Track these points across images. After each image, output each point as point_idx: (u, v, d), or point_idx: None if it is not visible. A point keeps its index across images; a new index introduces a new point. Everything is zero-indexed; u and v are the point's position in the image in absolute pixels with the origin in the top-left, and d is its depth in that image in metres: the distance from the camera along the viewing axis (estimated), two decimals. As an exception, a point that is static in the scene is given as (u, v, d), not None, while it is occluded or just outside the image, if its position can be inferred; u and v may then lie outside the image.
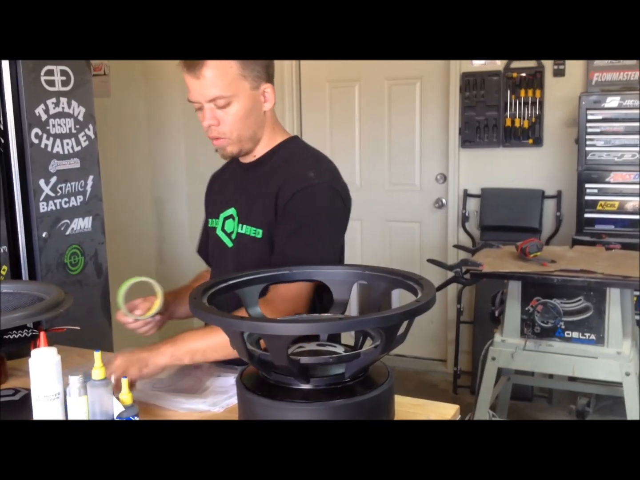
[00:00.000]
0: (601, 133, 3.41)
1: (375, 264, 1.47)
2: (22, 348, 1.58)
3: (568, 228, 3.77)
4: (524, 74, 3.85)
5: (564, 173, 3.81)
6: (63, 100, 2.70)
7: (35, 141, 2.61)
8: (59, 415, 1.29)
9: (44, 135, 2.64)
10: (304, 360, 1.19)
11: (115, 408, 1.25)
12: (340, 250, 1.69)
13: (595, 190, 3.46)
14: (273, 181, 1.64)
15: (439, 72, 4.09)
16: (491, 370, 2.84)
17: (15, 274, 2.60)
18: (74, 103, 2.74)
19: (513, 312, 2.79)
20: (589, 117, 3.42)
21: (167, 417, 1.42)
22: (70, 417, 1.27)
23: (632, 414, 2.61)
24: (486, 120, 3.95)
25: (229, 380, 1.55)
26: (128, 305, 1.64)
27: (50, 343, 1.34)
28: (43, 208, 2.65)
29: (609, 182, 3.43)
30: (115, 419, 1.25)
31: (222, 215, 1.74)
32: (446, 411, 1.38)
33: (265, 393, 1.20)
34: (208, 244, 1.84)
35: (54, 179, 2.68)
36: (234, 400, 1.41)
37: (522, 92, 3.85)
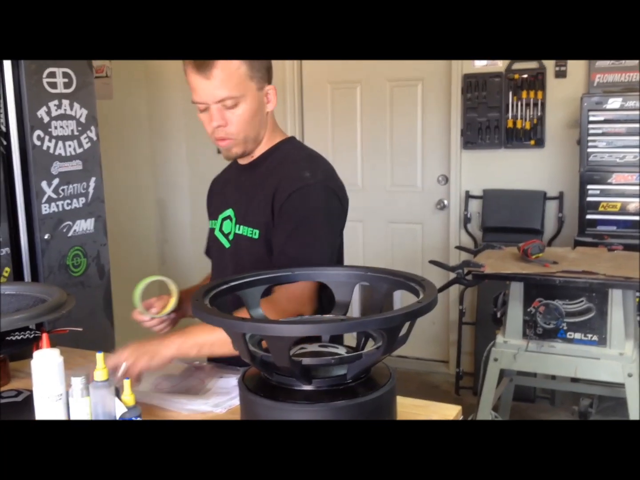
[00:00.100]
0: (603, 134, 3.41)
1: (377, 266, 1.47)
2: (25, 349, 1.58)
3: (570, 229, 3.77)
4: (525, 75, 3.85)
5: (566, 174, 3.81)
6: (65, 102, 2.70)
7: (38, 143, 2.61)
8: (61, 417, 1.29)
9: (46, 137, 2.64)
10: (306, 361, 1.19)
11: (118, 409, 1.25)
12: (339, 250, 1.69)
13: (597, 192, 3.46)
14: (269, 182, 1.65)
15: (440, 74, 4.09)
16: (493, 371, 2.84)
17: (17, 275, 2.60)
18: (76, 105, 2.75)
19: (515, 313, 2.79)
20: (591, 119, 3.42)
21: (170, 418, 1.42)
22: (73, 419, 1.27)
23: (634, 415, 2.61)
24: (488, 122, 3.95)
25: (231, 382, 1.55)
26: (144, 304, 1.67)
27: (52, 344, 1.34)
28: (45, 210, 2.65)
29: (610, 184, 3.43)
30: (117, 419, 1.25)
31: (221, 216, 1.76)
32: (448, 412, 1.38)
33: (267, 394, 1.20)
34: None
35: (56, 181, 2.68)
36: (236, 402, 1.41)
37: (524, 94, 3.85)
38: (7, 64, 2.51)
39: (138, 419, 1.25)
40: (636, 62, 3.54)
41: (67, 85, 2.71)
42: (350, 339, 1.38)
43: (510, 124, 3.90)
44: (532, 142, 3.88)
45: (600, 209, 3.46)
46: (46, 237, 2.66)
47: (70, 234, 2.75)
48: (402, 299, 1.43)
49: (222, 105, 1.58)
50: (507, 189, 3.96)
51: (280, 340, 1.13)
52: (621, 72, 3.62)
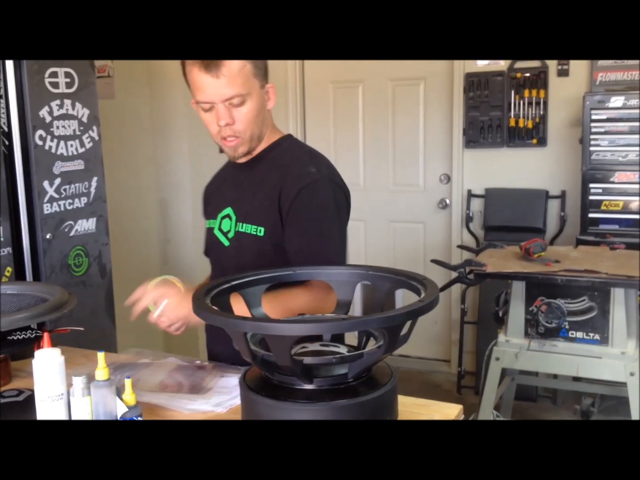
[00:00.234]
0: (605, 133, 3.41)
1: (379, 265, 1.47)
2: (26, 349, 1.58)
3: (572, 228, 3.76)
4: (528, 74, 3.84)
5: (568, 173, 3.81)
6: (67, 102, 2.70)
7: (40, 143, 2.61)
8: (62, 416, 1.29)
9: (48, 137, 2.64)
10: (307, 360, 1.19)
11: (119, 408, 1.25)
12: (345, 244, 1.72)
13: (600, 190, 3.45)
14: (271, 178, 1.66)
15: (442, 73, 4.08)
16: (495, 370, 2.84)
17: (19, 275, 2.60)
18: (78, 105, 2.75)
19: (517, 312, 2.79)
20: (593, 117, 3.42)
21: (171, 417, 1.42)
22: (74, 418, 1.27)
23: (636, 414, 2.61)
24: (490, 121, 3.95)
25: (232, 381, 1.55)
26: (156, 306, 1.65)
27: (54, 344, 1.34)
28: (47, 209, 2.65)
29: (613, 182, 3.42)
30: (118, 419, 1.25)
31: (220, 215, 1.76)
32: (450, 411, 1.37)
33: (269, 393, 1.20)
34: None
35: (58, 181, 2.68)
36: (237, 401, 1.41)
37: (526, 92, 3.84)
38: (10, 64, 2.51)
39: (139, 418, 1.25)
40: (638, 60, 3.54)
41: (69, 85, 2.71)
42: (352, 338, 1.38)
43: (512, 123, 3.89)
44: (535, 140, 3.87)
45: (603, 207, 3.46)
46: (48, 236, 2.66)
47: (72, 234, 2.75)
48: (403, 298, 1.43)
49: (229, 103, 1.59)
50: (509, 187, 3.95)
51: (282, 339, 1.13)
52: (624, 70, 3.61)
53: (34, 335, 1.59)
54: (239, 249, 1.70)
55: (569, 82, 3.78)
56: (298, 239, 1.61)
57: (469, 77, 3.96)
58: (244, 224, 1.68)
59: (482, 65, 3.94)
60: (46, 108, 2.63)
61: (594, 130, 3.42)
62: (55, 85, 2.65)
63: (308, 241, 1.60)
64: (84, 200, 2.79)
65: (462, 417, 1.39)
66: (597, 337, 2.67)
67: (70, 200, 2.74)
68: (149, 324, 1.69)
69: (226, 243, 1.73)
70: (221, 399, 1.48)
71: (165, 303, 1.51)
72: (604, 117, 3.40)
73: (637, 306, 2.79)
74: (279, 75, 4.30)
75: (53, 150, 2.66)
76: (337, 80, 4.38)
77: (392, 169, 4.33)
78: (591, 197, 3.46)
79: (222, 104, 1.59)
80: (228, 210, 1.73)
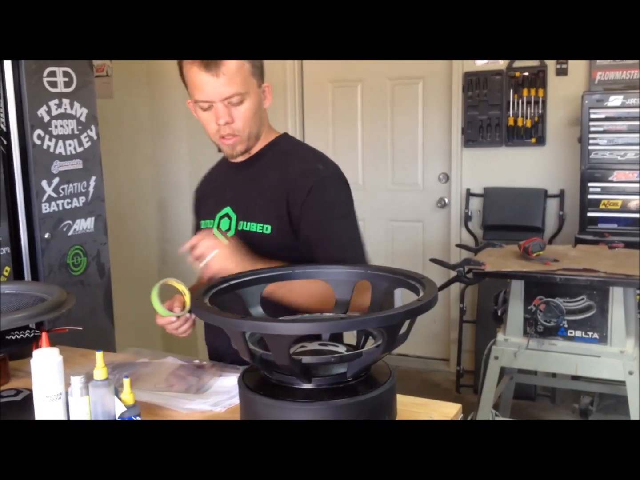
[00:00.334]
0: (604, 132, 3.41)
1: (377, 264, 1.47)
2: (24, 349, 1.58)
3: (571, 227, 3.76)
4: (526, 73, 3.84)
5: (567, 172, 3.81)
6: (65, 101, 2.70)
7: (38, 142, 2.61)
8: (60, 416, 1.29)
9: (47, 137, 2.64)
10: (306, 359, 1.19)
11: (117, 408, 1.25)
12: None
13: (598, 189, 3.45)
14: (271, 177, 1.66)
15: (441, 72, 4.08)
16: (494, 369, 2.84)
17: (17, 274, 2.60)
18: (76, 104, 2.75)
19: (516, 311, 2.79)
20: (592, 116, 3.42)
21: (169, 417, 1.42)
22: (72, 418, 1.27)
23: (635, 413, 2.61)
24: (489, 120, 3.95)
25: (231, 380, 1.55)
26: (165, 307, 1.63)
27: (52, 343, 1.34)
28: (45, 209, 2.65)
29: (611, 181, 3.43)
30: (117, 419, 1.25)
31: (218, 215, 1.75)
32: (449, 410, 1.37)
33: (267, 393, 1.20)
34: None
35: (56, 180, 2.68)
36: (236, 400, 1.41)
37: (525, 91, 3.84)
38: (8, 64, 2.51)
39: (137, 418, 1.25)
40: (637, 60, 3.54)
41: (67, 84, 2.70)
42: (351, 337, 1.38)
43: (511, 122, 3.89)
44: (533, 140, 3.87)
45: (601, 206, 3.46)
46: (46, 236, 2.66)
47: (70, 233, 2.75)
48: (402, 297, 1.43)
49: (228, 102, 1.59)
50: (508, 186, 3.96)
51: (280, 338, 1.13)
52: (622, 69, 3.62)
53: (32, 334, 1.58)
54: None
55: (568, 81, 3.78)
56: (319, 238, 1.62)
57: (467, 76, 3.96)
58: (248, 223, 1.68)
59: (480, 64, 3.94)
60: (44, 107, 2.63)
61: (592, 129, 3.42)
62: (54, 84, 2.65)
63: (330, 239, 1.62)
64: (82, 199, 2.79)
65: (461, 416, 1.39)
66: (595, 335, 2.68)
67: (69, 200, 2.74)
68: (147, 324, 1.69)
69: (225, 242, 1.72)
70: (220, 398, 1.48)
71: (214, 253, 1.50)
72: (603, 116, 3.41)
73: (636, 305, 2.80)
74: (278, 74, 4.30)
75: (51, 150, 2.66)
76: (336, 80, 4.38)
77: (391, 168, 4.33)
78: (590, 196, 3.46)
79: (221, 103, 1.59)
80: (227, 210, 1.72)
